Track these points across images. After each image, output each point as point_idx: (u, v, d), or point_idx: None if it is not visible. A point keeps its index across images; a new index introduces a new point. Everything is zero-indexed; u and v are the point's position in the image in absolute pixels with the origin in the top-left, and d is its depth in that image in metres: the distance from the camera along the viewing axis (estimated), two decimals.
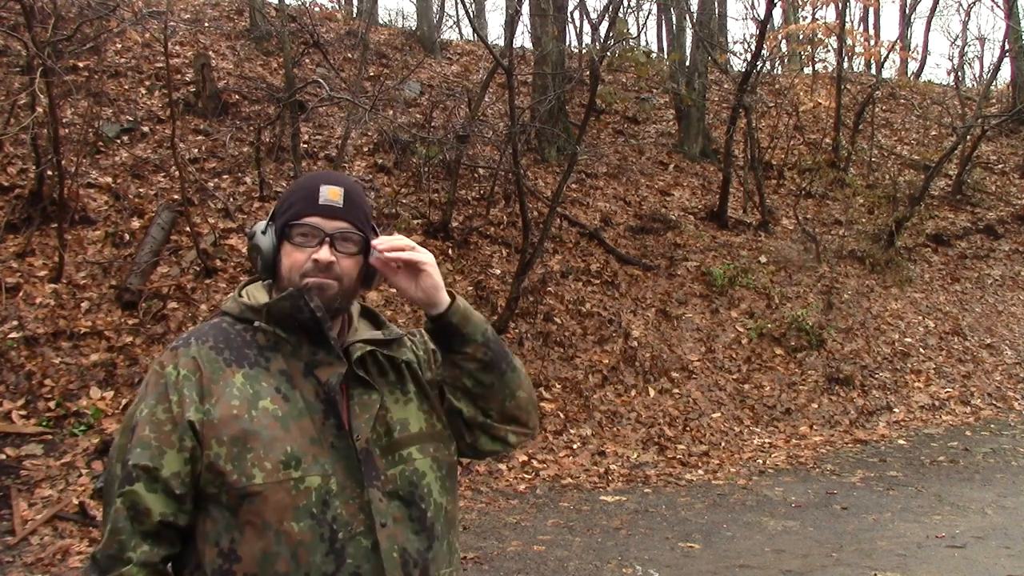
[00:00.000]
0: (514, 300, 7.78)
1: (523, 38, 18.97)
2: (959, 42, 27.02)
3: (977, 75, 23.64)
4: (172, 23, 9.93)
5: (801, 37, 13.85)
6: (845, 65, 14.12)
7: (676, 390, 8.14)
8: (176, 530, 1.39)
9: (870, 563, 4.75)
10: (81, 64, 9.22)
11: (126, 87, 9.50)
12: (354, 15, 15.55)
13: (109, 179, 8.05)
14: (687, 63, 13.24)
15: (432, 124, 10.13)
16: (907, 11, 21.38)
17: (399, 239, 1.53)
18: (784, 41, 14.59)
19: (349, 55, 12.10)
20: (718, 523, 5.54)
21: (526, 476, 6.60)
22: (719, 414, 7.96)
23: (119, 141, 8.64)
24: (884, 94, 16.37)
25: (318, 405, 1.43)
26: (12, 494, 5.15)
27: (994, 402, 8.96)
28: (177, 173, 7.71)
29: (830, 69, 14.30)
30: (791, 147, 13.37)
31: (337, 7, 16.29)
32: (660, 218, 10.85)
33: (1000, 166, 14.89)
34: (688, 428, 7.65)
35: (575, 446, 7.13)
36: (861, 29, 18.84)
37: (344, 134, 9.12)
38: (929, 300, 10.82)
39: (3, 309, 6.34)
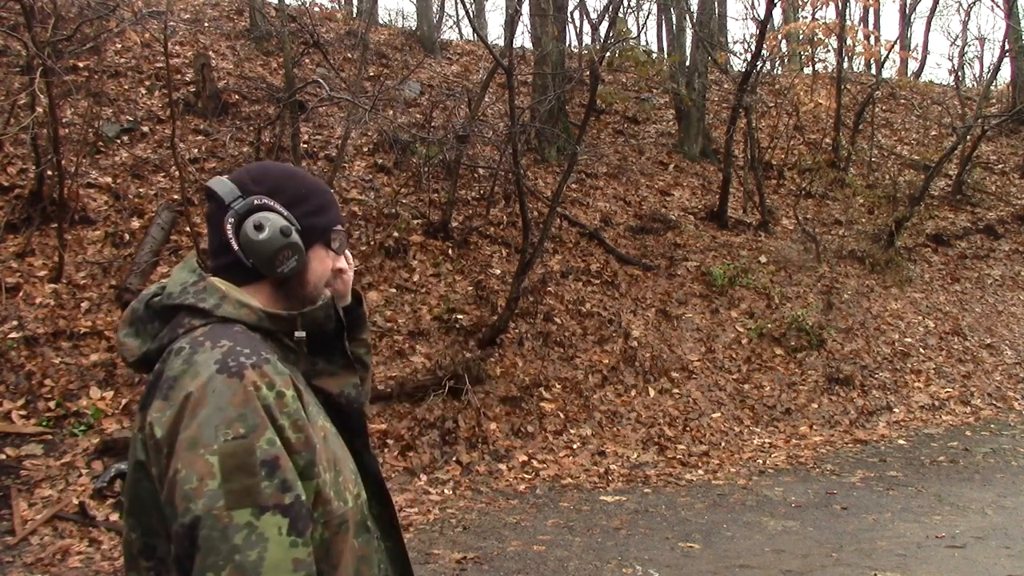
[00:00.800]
0: (514, 300, 7.79)
1: (523, 38, 18.98)
2: (959, 42, 27.01)
3: (977, 75, 23.65)
4: (172, 23, 9.93)
5: (801, 37, 13.85)
6: (845, 65, 14.12)
7: (676, 390, 8.14)
8: None
9: (870, 563, 4.75)
10: (81, 64, 9.22)
11: (126, 87, 9.50)
12: (354, 15, 15.55)
13: (109, 179, 8.05)
14: (687, 63, 13.24)
15: (432, 124, 10.13)
16: (907, 11, 21.40)
17: None
18: (784, 41, 14.59)
19: (349, 55, 12.10)
20: (718, 523, 5.54)
21: (526, 476, 6.60)
22: (719, 414, 7.96)
23: (119, 141, 8.64)
24: (884, 94, 16.37)
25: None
26: (12, 494, 5.16)
27: (994, 402, 8.97)
28: (177, 173, 7.71)
29: (830, 69, 14.30)
30: (791, 147, 13.37)
31: (337, 7, 16.29)
32: (660, 218, 10.85)
33: (1000, 166, 14.89)
34: (688, 428, 7.66)
35: (575, 446, 7.13)
36: (861, 28, 18.82)
37: (344, 134, 9.12)
38: (929, 300, 10.82)
39: (3, 309, 6.34)
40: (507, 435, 7.05)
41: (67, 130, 7.94)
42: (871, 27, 21.10)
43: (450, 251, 8.81)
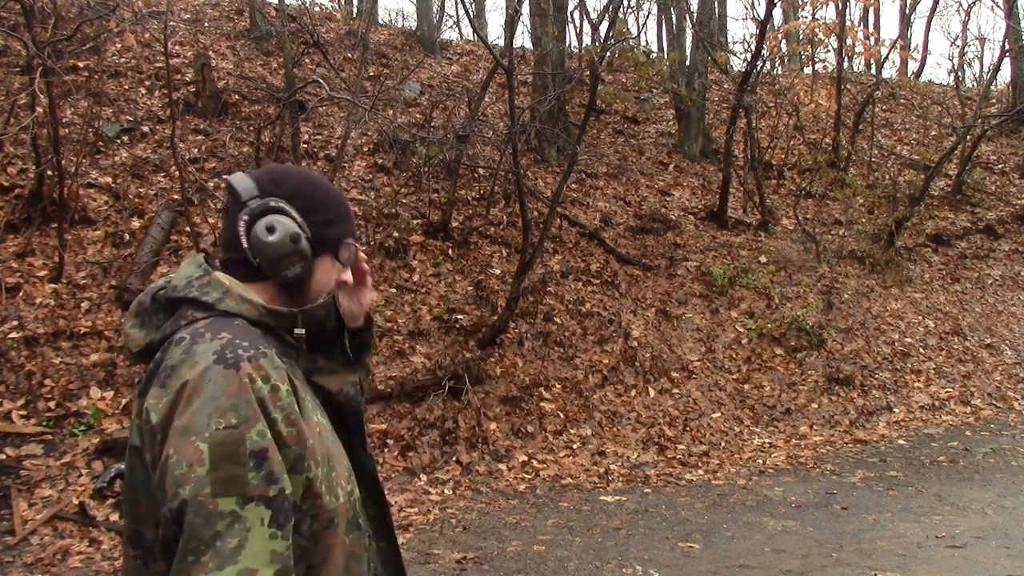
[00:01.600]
0: (514, 300, 7.78)
1: (523, 38, 18.98)
2: (959, 42, 27.03)
3: (977, 75, 23.64)
4: (172, 23, 9.93)
5: (801, 37, 13.85)
6: (845, 65, 14.12)
7: (676, 390, 8.14)
8: None
9: (870, 563, 4.75)
10: (81, 64, 9.22)
11: (126, 87, 9.50)
12: (354, 15, 15.56)
13: (109, 179, 8.05)
14: (687, 63, 13.24)
15: (432, 124, 10.13)
16: (907, 11, 21.40)
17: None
18: (784, 41, 14.59)
19: (349, 55, 12.10)
20: (718, 523, 5.54)
21: (526, 476, 6.60)
22: (719, 414, 7.96)
23: (119, 141, 8.64)
24: (884, 94, 16.37)
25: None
26: (12, 494, 5.16)
27: (994, 402, 8.97)
28: (177, 173, 7.71)
29: (830, 69, 14.30)
30: (791, 147, 13.37)
31: (337, 7, 16.29)
32: (660, 218, 10.85)
33: (1000, 166, 14.89)
34: (688, 428, 7.66)
35: (575, 446, 7.13)
36: (861, 28, 18.82)
37: (344, 134, 9.12)
38: (929, 300, 10.82)
39: (3, 309, 6.35)
40: (507, 435, 7.05)
41: (67, 130, 7.94)
42: (871, 27, 21.12)
43: (450, 251, 8.81)
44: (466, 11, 12.11)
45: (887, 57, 15.43)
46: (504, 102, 9.93)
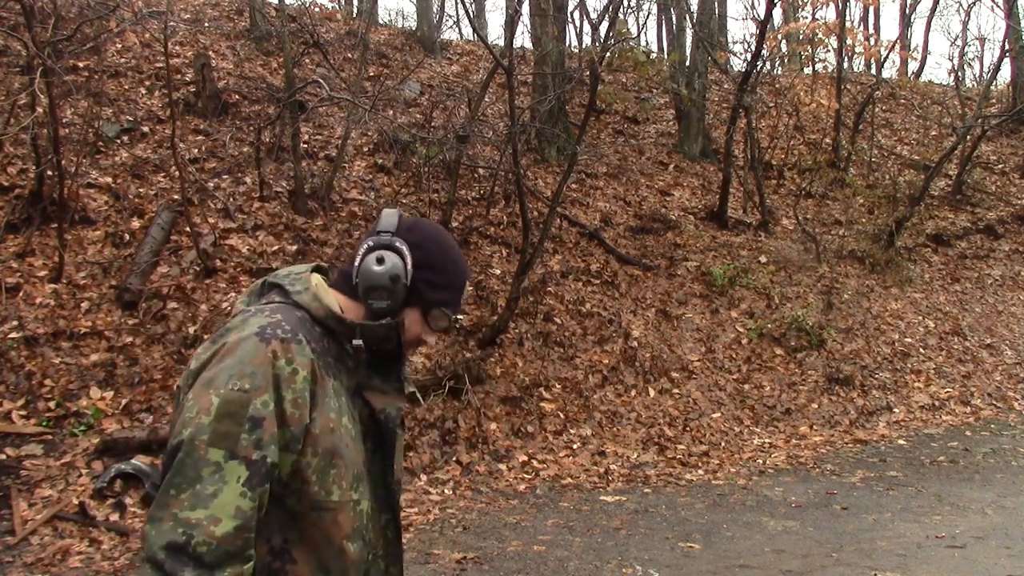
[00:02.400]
0: (514, 300, 7.78)
1: (523, 38, 18.99)
2: (959, 42, 27.04)
3: (977, 75, 23.65)
4: (172, 23, 9.93)
5: (801, 37, 13.84)
6: (845, 65, 14.12)
7: (676, 390, 8.14)
8: None
9: (870, 563, 4.75)
10: (81, 64, 9.21)
11: (126, 87, 9.50)
12: (354, 15, 15.55)
13: (109, 179, 8.05)
14: (687, 63, 13.24)
15: (432, 124, 10.13)
16: (907, 11, 21.39)
17: None
18: (784, 41, 14.59)
19: (349, 55, 12.10)
20: (718, 523, 5.54)
21: (526, 476, 6.60)
22: (719, 414, 7.96)
23: (119, 141, 8.64)
24: (884, 94, 16.37)
25: (360, 427, 1.47)
26: (12, 494, 5.16)
27: (994, 402, 8.96)
28: (177, 173, 7.71)
29: (830, 69, 14.30)
30: (791, 147, 13.37)
31: (337, 7, 16.29)
32: (660, 218, 10.85)
33: (1000, 166, 14.89)
34: (688, 428, 7.66)
35: (575, 446, 7.13)
36: (861, 28, 18.83)
37: (344, 134, 9.12)
38: (929, 300, 10.82)
39: (3, 309, 6.34)
40: (507, 435, 7.05)
41: (67, 130, 7.93)
42: (871, 27, 21.12)
43: None
44: (466, 11, 12.11)
45: (887, 57, 15.43)
46: (504, 102, 9.93)
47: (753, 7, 22.22)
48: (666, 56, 16.39)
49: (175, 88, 9.11)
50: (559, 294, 8.80)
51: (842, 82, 13.55)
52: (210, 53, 10.62)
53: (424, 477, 6.36)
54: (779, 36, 13.24)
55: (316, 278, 1.49)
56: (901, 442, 7.70)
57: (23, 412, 5.78)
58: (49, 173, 7.24)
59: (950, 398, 8.90)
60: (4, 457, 5.44)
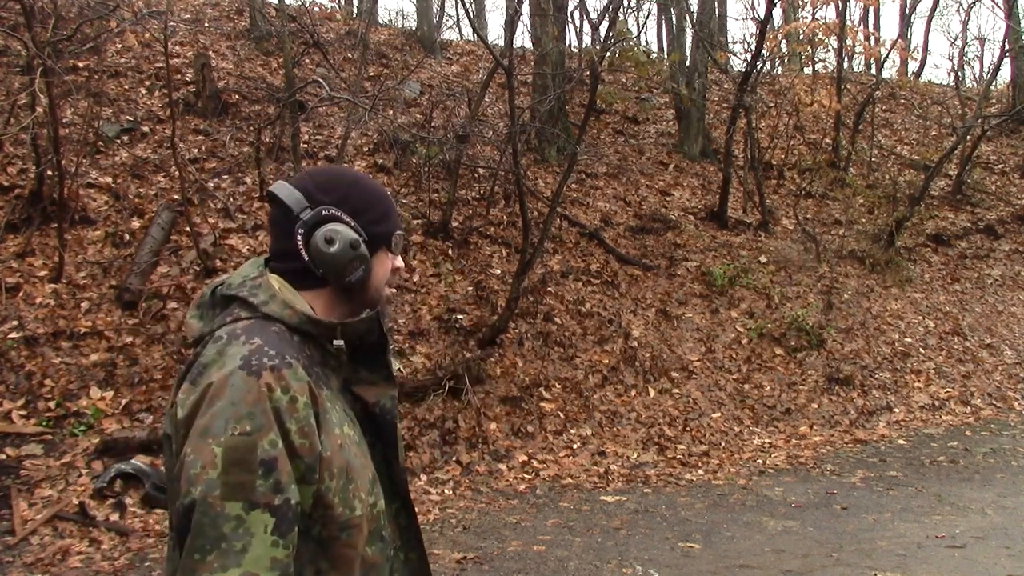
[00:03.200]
0: (514, 300, 7.78)
1: (523, 38, 18.99)
2: (959, 42, 27.05)
3: (977, 75, 23.65)
4: (172, 23, 9.92)
5: (801, 37, 13.84)
6: (845, 65, 14.12)
7: (676, 390, 8.14)
8: None
9: (870, 563, 4.75)
10: (81, 64, 9.22)
11: (126, 87, 9.50)
12: (354, 15, 15.55)
13: (109, 179, 8.05)
14: (687, 63, 13.24)
15: (432, 124, 10.13)
16: (907, 11, 21.40)
17: None
18: (784, 41, 14.59)
19: (349, 55, 12.10)
20: (718, 523, 5.54)
21: (526, 476, 6.60)
22: (719, 414, 7.96)
23: (119, 141, 8.64)
24: (884, 94, 16.37)
25: (358, 427, 1.42)
26: (12, 494, 5.16)
27: (994, 402, 8.96)
28: (177, 173, 7.71)
29: (830, 69, 14.30)
30: (791, 147, 13.37)
31: (337, 7, 16.29)
32: (660, 218, 10.85)
33: (1000, 166, 14.89)
34: (688, 428, 7.66)
35: (575, 446, 7.13)
36: (861, 28, 18.81)
37: (344, 134, 9.12)
38: (929, 300, 10.82)
39: (3, 309, 6.35)
40: (507, 435, 7.05)
41: (67, 130, 7.94)
42: (871, 27, 21.11)
43: (450, 251, 8.81)
44: (466, 11, 12.11)
45: (887, 57, 15.43)
46: (504, 102, 9.93)
47: (753, 7, 22.24)
48: (666, 56, 16.39)
49: (175, 88, 9.11)
50: (559, 294, 8.80)
51: (842, 82, 13.55)
52: (210, 53, 10.62)
53: (424, 477, 6.36)
54: (779, 36, 13.23)
55: (276, 280, 1.39)
56: (901, 442, 7.70)
57: (23, 412, 5.79)
58: (49, 173, 7.24)
59: (950, 398, 8.90)
60: (4, 457, 5.44)
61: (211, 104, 9.57)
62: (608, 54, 12.26)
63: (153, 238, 7.36)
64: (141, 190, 8.04)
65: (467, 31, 19.51)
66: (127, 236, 7.49)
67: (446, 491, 6.21)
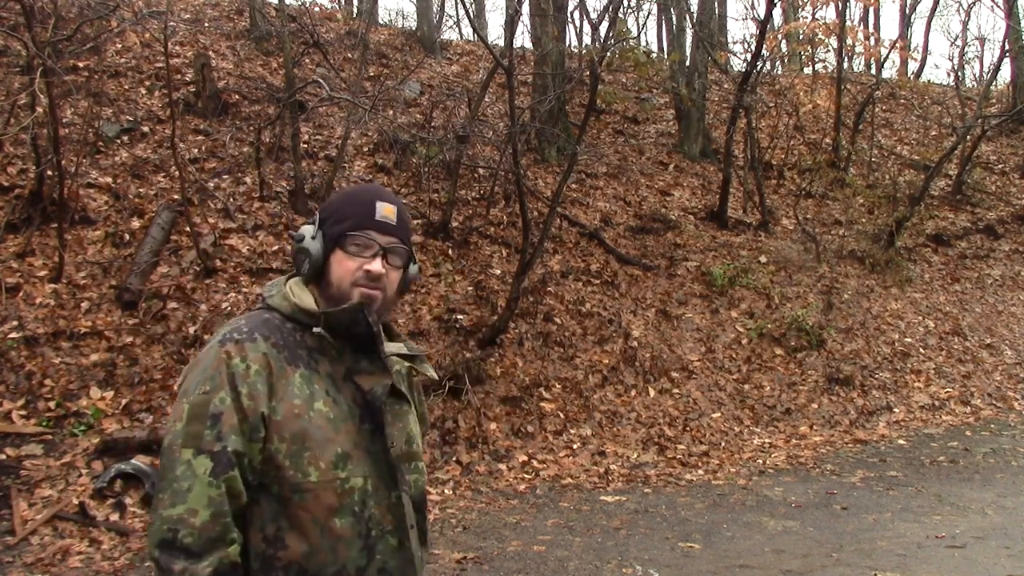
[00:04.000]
0: (514, 300, 7.78)
1: (523, 38, 19.00)
2: (959, 42, 27.05)
3: (977, 75, 23.65)
4: (172, 23, 9.93)
5: (801, 37, 13.85)
6: (845, 65, 14.12)
7: (676, 390, 8.14)
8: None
9: (870, 563, 4.75)
10: (81, 64, 9.21)
11: (126, 87, 9.50)
12: (354, 15, 15.55)
13: (109, 179, 8.05)
14: (687, 63, 13.24)
15: (432, 124, 10.13)
16: (907, 11, 21.40)
17: None
18: (784, 41, 14.59)
19: (349, 55, 12.10)
20: (718, 523, 5.54)
21: (526, 476, 6.60)
22: (719, 414, 7.96)
23: (119, 141, 8.64)
24: (884, 94, 16.37)
25: (355, 410, 1.55)
26: (12, 494, 5.16)
27: (994, 402, 8.96)
28: (177, 173, 7.71)
29: (830, 69, 14.30)
30: (791, 147, 13.37)
31: (337, 7, 16.29)
32: (660, 218, 10.85)
33: (1000, 166, 14.89)
34: (688, 428, 7.65)
35: (575, 446, 7.13)
36: (861, 28, 18.81)
37: (344, 134, 9.12)
38: (929, 300, 10.82)
39: (3, 309, 6.34)
40: (507, 435, 7.05)
41: (67, 130, 7.93)
42: (871, 27, 21.11)
43: (450, 251, 8.81)
44: (466, 11, 12.11)
45: (887, 57, 15.44)
46: (504, 102, 9.93)
47: (753, 7, 22.24)
48: (666, 56, 16.39)
49: (175, 88, 9.11)
50: (559, 294, 8.80)
51: (842, 82, 13.54)
52: (210, 53, 10.62)
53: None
54: (779, 36, 13.25)
55: (293, 281, 1.61)
56: (901, 442, 7.70)
57: (23, 412, 5.78)
58: (49, 173, 7.24)
59: (950, 398, 8.90)
60: (4, 457, 5.43)
61: (211, 104, 9.56)
62: (608, 54, 12.26)
63: (153, 238, 7.35)
64: (141, 190, 8.04)
65: (467, 31, 19.53)
66: (127, 236, 7.49)
67: (446, 491, 6.21)
